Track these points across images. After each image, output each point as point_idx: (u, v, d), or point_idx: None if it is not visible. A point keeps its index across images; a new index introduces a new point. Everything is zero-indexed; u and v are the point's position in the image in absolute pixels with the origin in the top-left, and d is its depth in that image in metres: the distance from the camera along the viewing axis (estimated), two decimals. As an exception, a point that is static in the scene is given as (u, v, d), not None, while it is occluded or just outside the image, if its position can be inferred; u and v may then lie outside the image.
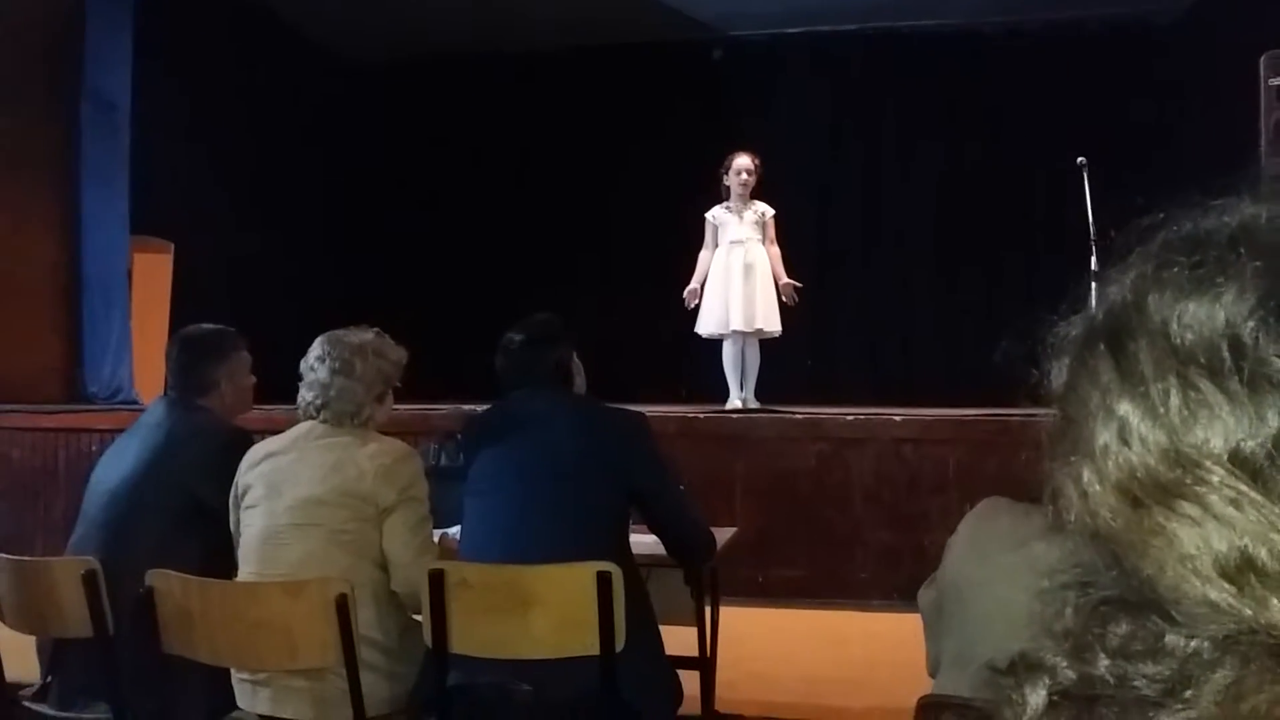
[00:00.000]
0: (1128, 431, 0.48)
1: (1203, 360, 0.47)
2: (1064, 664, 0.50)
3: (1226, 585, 0.45)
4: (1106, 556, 0.50)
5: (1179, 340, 0.48)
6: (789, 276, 6.10)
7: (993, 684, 0.53)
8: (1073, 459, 0.51)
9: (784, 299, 6.04)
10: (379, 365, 2.65)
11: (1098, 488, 0.49)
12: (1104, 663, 0.49)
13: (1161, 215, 0.52)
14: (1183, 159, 7.33)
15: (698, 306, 6.16)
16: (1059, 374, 0.54)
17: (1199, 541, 0.46)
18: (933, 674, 1.78)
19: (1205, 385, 0.47)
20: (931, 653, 1.78)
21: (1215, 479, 0.46)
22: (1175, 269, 0.49)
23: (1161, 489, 0.47)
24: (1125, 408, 0.49)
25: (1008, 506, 1.73)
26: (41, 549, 4.94)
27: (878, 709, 3.28)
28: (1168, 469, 0.47)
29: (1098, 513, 0.50)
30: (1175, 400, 0.47)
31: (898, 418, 5.34)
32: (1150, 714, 0.46)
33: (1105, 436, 0.49)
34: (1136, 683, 0.48)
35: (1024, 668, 0.52)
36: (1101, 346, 0.51)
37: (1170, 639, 0.47)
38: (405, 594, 2.44)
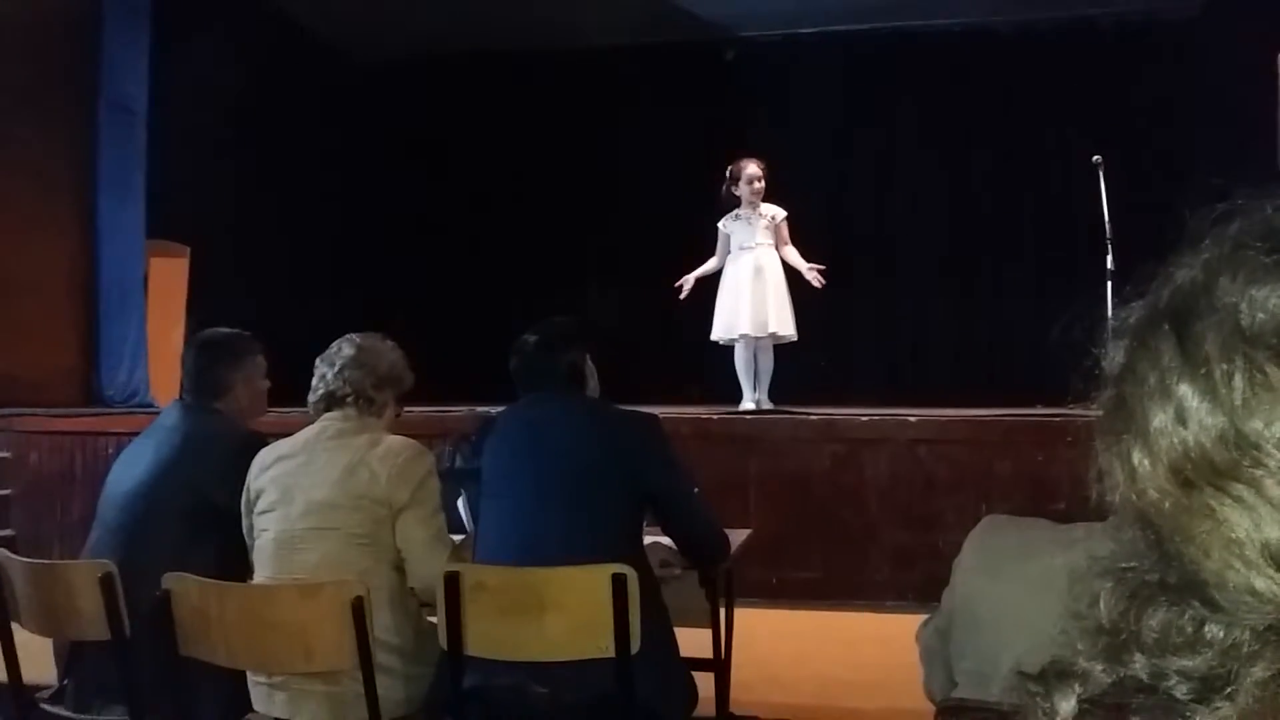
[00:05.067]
0: (1185, 412, 0.48)
1: (1272, 343, 0.46)
2: (1099, 668, 0.50)
3: (1273, 573, 0.45)
4: (1149, 539, 0.50)
5: (1248, 323, 0.47)
6: (799, 279, 6.10)
7: (1020, 689, 0.52)
8: (1124, 438, 0.51)
9: (812, 282, 6.03)
10: (392, 360, 2.69)
11: (1148, 467, 0.49)
12: (1139, 661, 0.48)
13: (1238, 203, 0.51)
14: (1198, 158, 7.30)
15: (705, 307, 6.20)
16: (1116, 356, 0.53)
17: (1249, 526, 0.45)
18: (932, 698, 1.76)
19: (1272, 369, 0.46)
20: (937, 680, 1.76)
21: (1273, 463, 0.45)
22: (1251, 254, 0.49)
23: (1215, 470, 0.46)
24: (1184, 388, 0.48)
25: (1009, 521, 1.72)
26: (59, 552, 4.98)
27: (892, 711, 3.27)
28: (1224, 451, 0.46)
29: (1145, 492, 0.49)
30: (1239, 382, 0.47)
31: (912, 418, 5.33)
32: (1185, 715, 0.46)
33: (1160, 417, 0.49)
34: (1171, 681, 0.47)
35: (1054, 675, 0.51)
36: (1165, 327, 0.50)
37: (1210, 629, 0.46)
38: (422, 590, 2.45)
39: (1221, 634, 0.46)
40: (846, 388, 7.62)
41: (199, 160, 7.55)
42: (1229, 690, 0.45)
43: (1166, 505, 0.48)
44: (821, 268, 6.05)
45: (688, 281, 6.22)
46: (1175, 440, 0.48)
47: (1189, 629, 0.47)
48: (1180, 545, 0.48)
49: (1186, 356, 0.49)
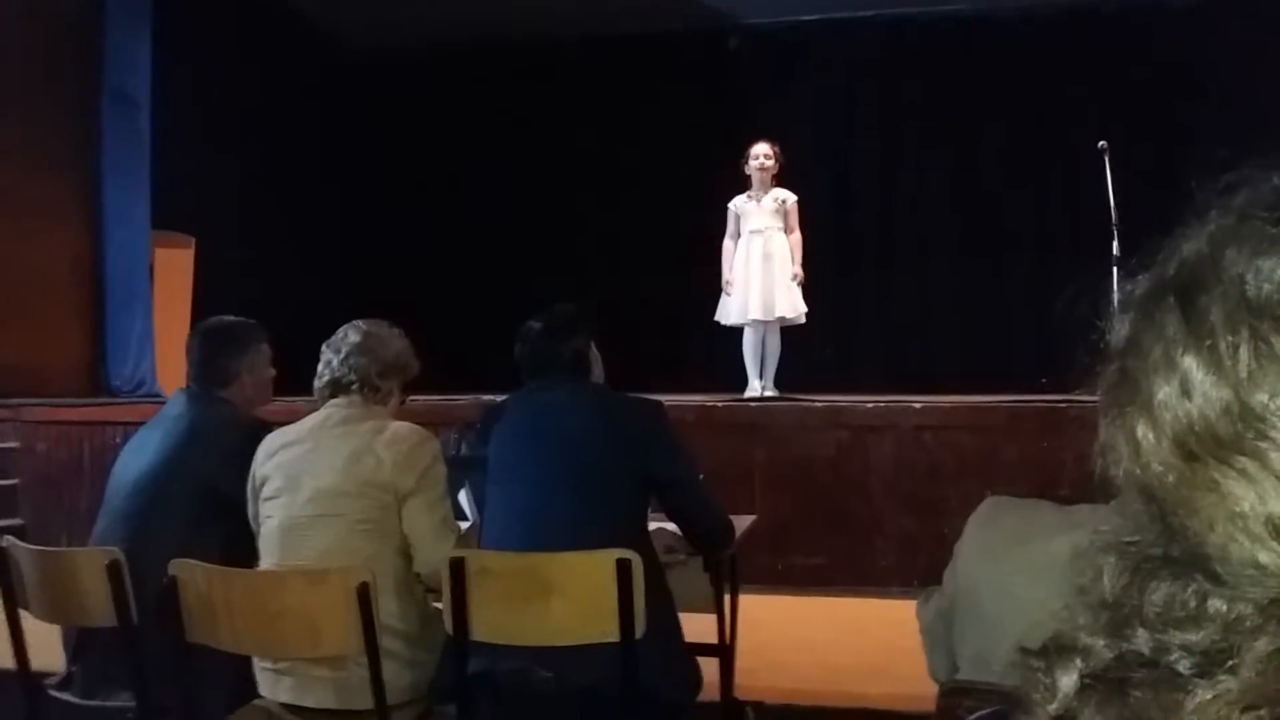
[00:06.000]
0: (1189, 384, 0.47)
1: (1278, 315, 0.46)
2: (1101, 643, 0.49)
3: (1277, 546, 0.44)
4: (1153, 513, 0.49)
5: (1254, 294, 0.47)
6: (804, 265, 6.13)
7: (1022, 666, 0.52)
8: (1128, 411, 0.50)
9: (790, 280, 6.08)
10: (398, 348, 2.69)
11: (1152, 440, 0.49)
12: (1142, 636, 0.48)
13: (1244, 172, 0.51)
14: (1204, 143, 7.27)
15: (710, 293, 6.22)
16: (1121, 329, 0.53)
17: (1253, 499, 0.45)
18: (937, 680, 1.76)
19: (1277, 341, 0.46)
20: (940, 662, 1.76)
21: (1278, 436, 0.45)
22: (1257, 224, 0.48)
23: (1219, 443, 0.46)
24: (1189, 360, 0.48)
25: (1011, 503, 1.71)
26: (66, 540, 5.00)
27: (897, 696, 3.28)
28: (1228, 423, 0.46)
29: (1149, 465, 0.49)
30: (1244, 354, 0.46)
31: (917, 405, 5.32)
32: (1187, 689, 0.45)
33: (1165, 389, 0.48)
34: (1174, 656, 0.47)
35: (1056, 650, 0.51)
36: (1170, 299, 0.50)
37: (1213, 603, 0.46)
38: (428, 576, 2.46)
39: (1224, 608, 0.46)
40: (851, 374, 7.62)
41: (203, 151, 7.56)
42: (1231, 664, 0.45)
43: (1170, 478, 0.48)
44: (797, 274, 6.04)
45: (730, 278, 6.19)
46: (1180, 413, 0.47)
47: (1192, 603, 0.47)
48: (1184, 519, 0.47)
49: (1191, 328, 0.48)
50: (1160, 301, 0.50)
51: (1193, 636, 0.46)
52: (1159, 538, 0.49)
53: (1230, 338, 0.47)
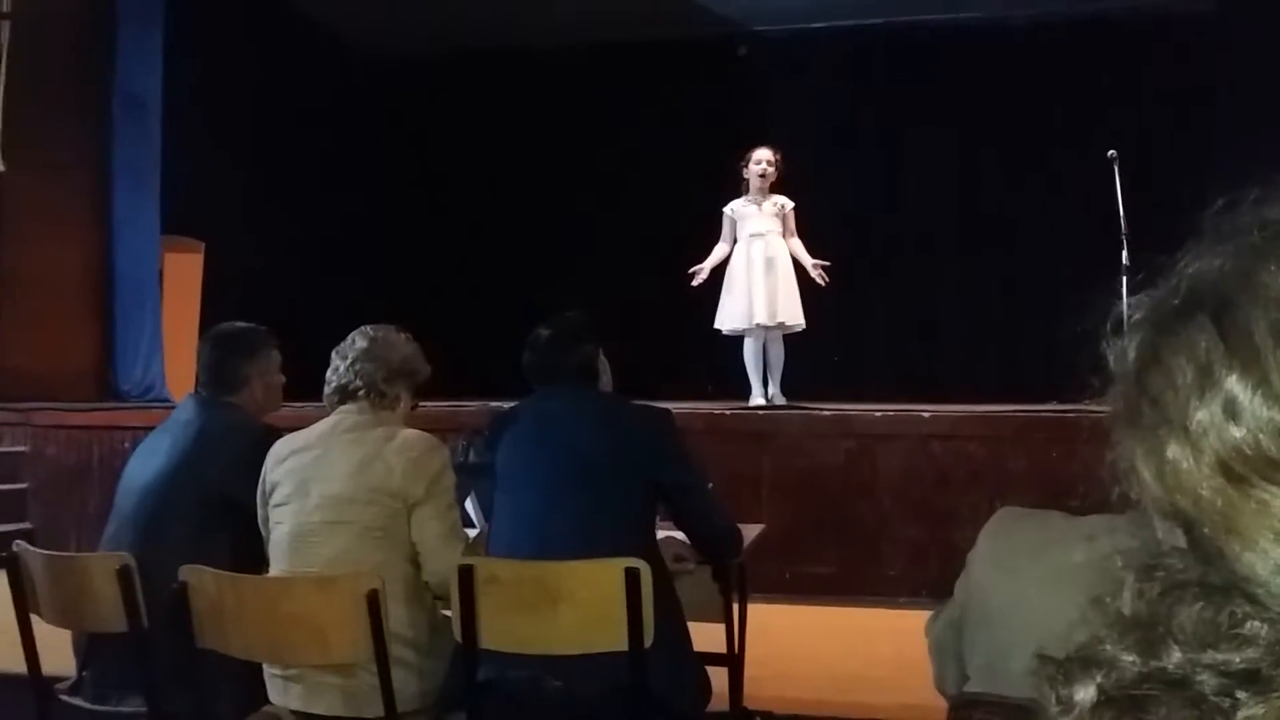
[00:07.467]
0: (1235, 405, 0.46)
1: None
2: (1130, 658, 0.48)
3: None
4: (1185, 535, 0.48)
5: None
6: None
7: (1040, 674, 0.51)
8: (1155, 433, 0.49)
9: (816, 279, 6.02)
10: (405, 353, 2.70)
11: (1191, 462, 0.47)
12: (1171, 655, 0.47)
13: (1269, 188, 0.50)
14: (1215, 152, 7.25)
15: (717, 301, 6.19)
16: (1136, 348, 0.51)
17: None
18: (945, 693, 1.76)
19: None
20: (949, 674, 1.75)
21: None
22: None
23: (1270, 464, 0.45)
24: (1233, 381, 0.46)
25: (1024, 515, 1.71)
26: (76, 545, 5.02)
27: (906, 706, 3.27)
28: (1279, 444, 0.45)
29: (1183, 487, 0.48)
30: None
31: (926, 414, 5.31)
32: (1214, 712, 0.45)
33: (1205, 411, 0.47)
34: (1202, 676, 0.46)
35: (1077, 663, 0.50)
36: (1202, 317, 0.48)
37: (1250, 625, 0.45)
38: (437, 584, 2.46)
39: (1264, 630, 0.45)
40: (859, 383, 7.61)
41: (214, 156, 7.58)
42: (1262, 687, 0.44)
43: (1212, 500, 0.47)
44: (826, 264, 6.03)
45: (703, 270, 6.19)
46: (1224, 434, 0.46)
47: (1226, 624, 0.46)
48: (1223, 541, 0.47)
49: (1232, 348, 0.47)
50: (1188, 319, 0.49)
51: (1224, 657, 0.46)
52: (1195, 561, 0.48)
53: (1277, 356, 0.46)
